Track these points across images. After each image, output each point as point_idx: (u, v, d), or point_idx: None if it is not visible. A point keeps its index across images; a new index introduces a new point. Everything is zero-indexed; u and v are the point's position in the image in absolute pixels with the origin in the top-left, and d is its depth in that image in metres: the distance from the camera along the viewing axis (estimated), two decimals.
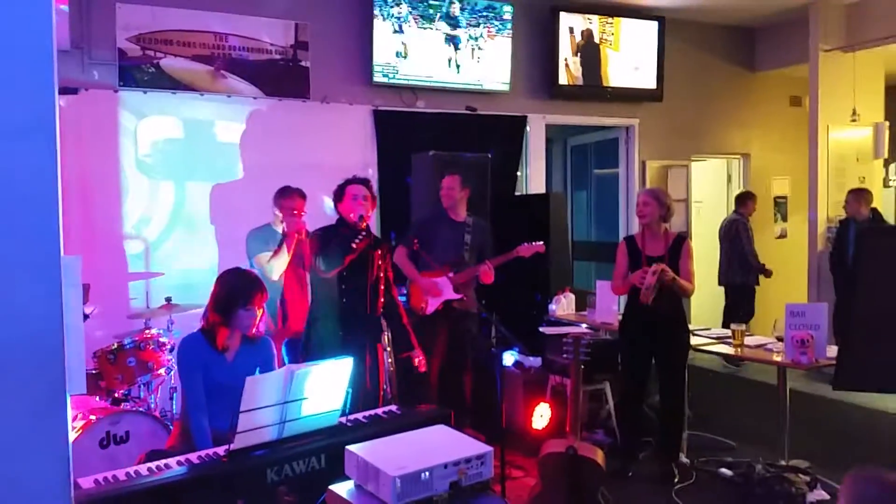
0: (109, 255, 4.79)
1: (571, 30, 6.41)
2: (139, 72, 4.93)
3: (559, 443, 3.33)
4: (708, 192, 7.98)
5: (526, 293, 5.67)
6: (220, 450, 2.53)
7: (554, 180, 7.83)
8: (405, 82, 5.75)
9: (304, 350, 3.71)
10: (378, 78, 5.63)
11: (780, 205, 7.94)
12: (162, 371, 3.91)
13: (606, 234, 7.53)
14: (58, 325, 1.32)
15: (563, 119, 6.73)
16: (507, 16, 6.05)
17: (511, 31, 6.07)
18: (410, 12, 5.65)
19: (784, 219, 7.97)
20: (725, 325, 5.77)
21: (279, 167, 5.09)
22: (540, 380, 4.85)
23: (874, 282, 3.37)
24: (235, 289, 2.97)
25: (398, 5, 5.59)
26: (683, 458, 4.30)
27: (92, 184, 4.75)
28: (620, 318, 4.49)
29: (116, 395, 3.67)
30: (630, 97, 6.84)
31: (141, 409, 3.63)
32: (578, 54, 6.48)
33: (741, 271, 6.54)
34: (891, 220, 7.19)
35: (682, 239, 4.21)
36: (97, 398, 3.65)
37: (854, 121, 6.73)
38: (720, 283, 6.77)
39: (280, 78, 5.39)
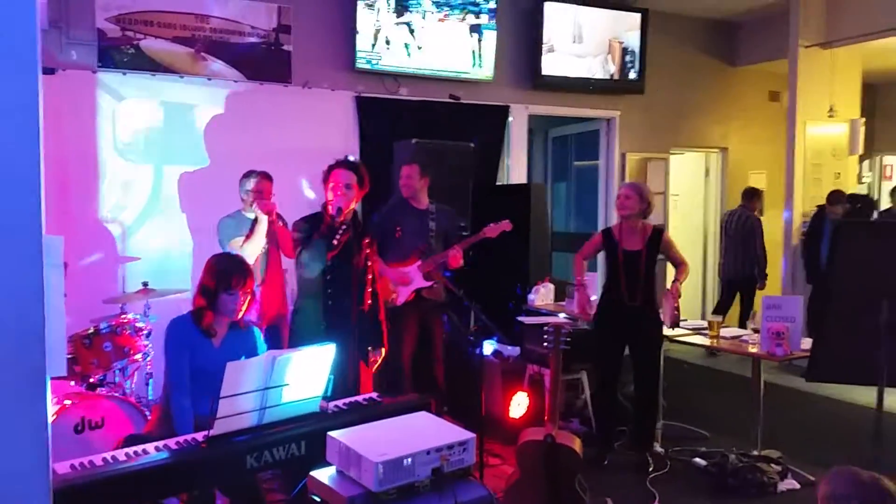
0: (85, 238, 4.72)
1: None
2: (118, 53, 4.85)
3: (537, 431, 3.35)
4: (685, 185, 8.05)
5: (505, 283, 5.69)
6: (199, 435, 2.52)
7: (535, 171, 7.85)
8: (388, 69, 5.72)
9: (292, 323, 3.72)
10: (361, 64, 5.59)
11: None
12: (138, 356, 3.87)
13: (585, 226, 7.57)
14: (39, 305, 1.30)
15: (546, 110, 6.74)
16: (492, 4, 6.03)
17: (495, 20, 6.06)
18: None
19: (760, 213, 8.05)
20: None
21: (260, 152, 5.02)
22: (518, 369, 4.87)
23: (849, 275, 3.43)
24: (218, 273, 2.96)
25: None
26: (658, 448, 4.35)
27: (68, 166, 4.67)
28: (596, 308, 4.52)
29: (92, 379, 3.62)
30: (611, 89, 6.86)
31: (116, 394, 3.59)
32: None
33: (751, 267, 6.74)
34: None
35: (660, 231, 4.24)
36: (72, 383, 3.60)
37: (831, 117, 6.83)
38: (724, 278, 6.97)
39: (262, 62, 5.33)
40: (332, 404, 2.85)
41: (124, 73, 4.87)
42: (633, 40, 6.80)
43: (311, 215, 3.70)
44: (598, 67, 6.73)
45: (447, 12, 5.87)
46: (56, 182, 4.56)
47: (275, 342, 4.22)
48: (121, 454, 2.34)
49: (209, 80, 5.15)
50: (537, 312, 5.29)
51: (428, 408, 2.80)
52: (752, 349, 4.11)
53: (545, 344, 3.51)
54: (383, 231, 4.45)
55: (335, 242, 3.46)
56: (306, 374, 2.64)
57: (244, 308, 3.01)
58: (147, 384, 4.19)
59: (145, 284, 4.12)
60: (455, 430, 2.41)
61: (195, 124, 5.12)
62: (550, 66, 6.47)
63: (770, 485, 3.80)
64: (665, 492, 3.82)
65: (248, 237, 3.96)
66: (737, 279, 6.84)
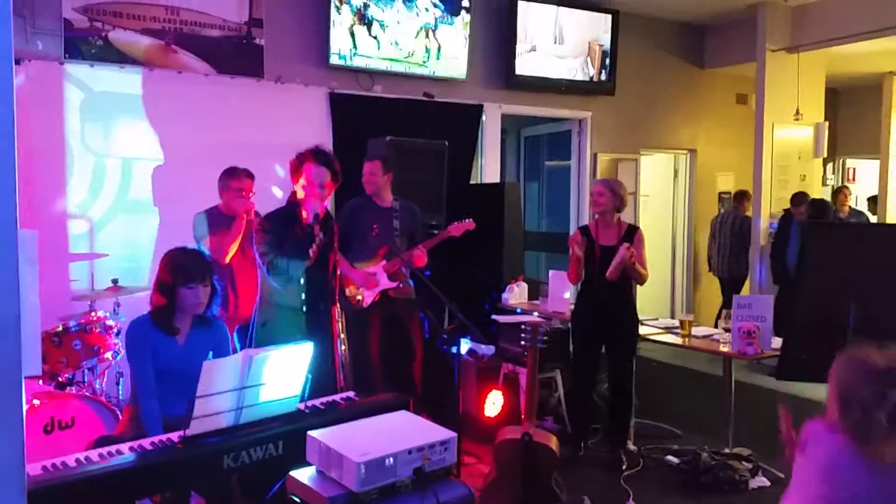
0: (52, 234, 4.60)
1: None
2: (86, 44, 4.73)
3: (514, 429, 3.36)
4: (655, 186, 8.14)
5: (480, 281, 5.69)
6: (175, 436, 2.47)
7: (508, 170, 7.87)
8: (362, 66, 5.68)
9: (258, 338, 3.51)
10: (335, 60, 5.54)
11: (725, 200, 8.16)
12: (108, 355, 3.78)
13: (557, 225, 7.61)
14: (14, 302, 1.25)
15: (519, 109, 6.75)
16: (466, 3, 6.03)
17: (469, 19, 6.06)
18: None
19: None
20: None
21: (230, 148, 4.95)
22: (493, 368, 4.88)
23: (817, 276, 3.49)
24: (176, 267, 2.88)
25: None
26: (631, 446, 4.40)
27: (35, 160, 4.54)
28: (572, 307, 4.55)
29: (61, 378, 3.54)
30: (583, 90, 6.90)
31: (86, 393, 3.51)
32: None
33: (746, 265, 7.15)
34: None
35: (635, 229, 4.30)
36: (40, 382, 3.51)
37: (797, 120, 6.96)
38: (720, 275, 7.29)
39: (233, 55, 5.25)
40: (309, 403, 2.82)
41: (92, 65, 4.75)
42: (605, 41, 6.85)
43: (277, 214, 3.50)
44: (579, 69, 6.79)
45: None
46: (22, 176, 4.42)
47: (246, 343, 4.16)
48: (94, 455, 2.29)
49: (179, 73, 5.05)
50: (511, 311, 5.30)
51: (407, 407, 2.78)
52: (724, 348, 4.16)
53: (523, 343, 3.51)
54: (346, 230, 4.29)
55: (312, 252, 3.30)
56: (284, 373, 2.60)
57: (206, 302, 2.93)
58: (117, 383, 4.10)
59: (115, 282, 4.03)
60: (436, 429, 2.39)
61: (165, 118, 5.02)
62: (531, 66, 6.50)
63: (741, 482, 3.86)
64: (638, 489, 3.85)
65: (224, 234, 3.89)
66: (733, 277, 7.20)
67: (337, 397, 2.98)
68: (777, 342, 4.00)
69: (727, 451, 4.11)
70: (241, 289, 4.07)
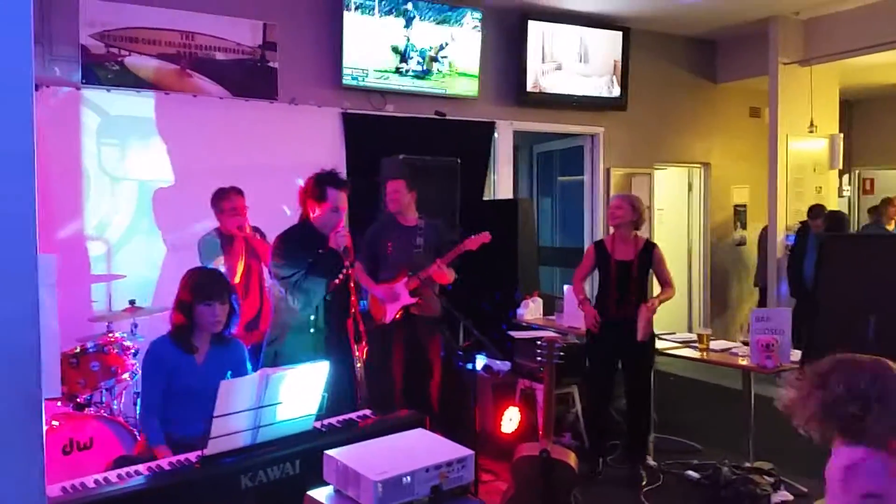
0: (70, 256, 4.65)
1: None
2: (103, 69, 4.81)
3: (532, 446, 3.33)
4: (670, 200, 8.11)
5: (494, 298, 5.68)
6: (193, 456, 2.47)
7: (520, 187, 7.87)
8: (374, 86, 5.72)
9: (274, 359, 3.51)
10: (347, 81, 5.59)
11: (740, 213, 8.12)
12: (126, 375, 3.81)
13: (571, 241, 7.60)
14: (35, 325, 1.27)
15: (531, 126, 6.77)
16: (476, 22, 6.08)
17: (480, 38, 6.10)
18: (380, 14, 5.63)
19: (743, 226, 8.15)
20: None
21: (246, 169, 5.00)
22: (509, 384, 4.85)
23: (835, 287, 3.47)
24: (194, 285, 2.93)
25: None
26: (651, 461, 4.35)
27: (52, 184, 4.60)
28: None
29: (79, 399, 3.56)
30: (595, 106, 6.91)
31: (105, 414, 3.52)
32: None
33: None
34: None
35: (653, 245, 4.28)
36: (59, 403, 3.53)
37: (811, 132, 6.93)
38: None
39: (247, 78, 5.31)
40: (326, 422, 2.82)
41: (109, 90, 4.83)
42: (616, 58, 6.88)
43: (292, 233, 3.48)
44: (604, 87, 6.84)
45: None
46: (40, 199, 4.47)
47: (258, 363, 4.17)
48: (113, 475, 2.30)
49: (194, 96, 5.12)
50: (527, 327, 5.29)
51: (423, 425, 2.77)
52: (743, 361, 4.13)
53: (538, 358, 3.50)
54: (373, 250, 4.41)
55: (337, 282, 3.42)
56: (300, 392, 2.61)
57: (225, 321, 2.96)
58: (135, 404, 4.10)
59: (132, 302, 4.06)
60: (453, 447, 2.38)
61: (181, 141, 5.08)
62: (557, 84, 6.58)
63: (763, 496, 3.80)
64: None
65: (228, 255, 3.96)
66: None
67: (353, 415, 2.98)
68: (796, 355, 3.96)
69: (748, 465, 4.06)
70: (247, 308, 4.10)
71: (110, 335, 3.85)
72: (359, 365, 4.50)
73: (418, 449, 2.34)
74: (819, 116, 6.97)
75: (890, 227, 6.99)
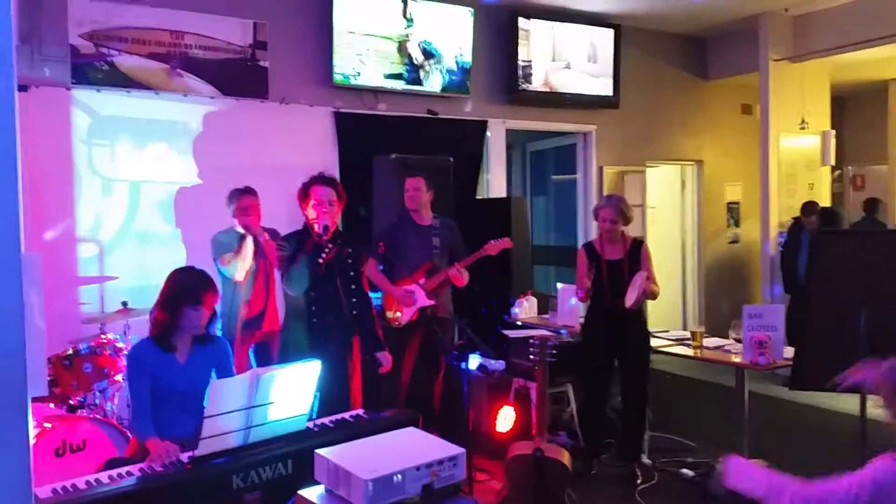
0: (61, 258, 4.62)
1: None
2: (92, 69, 4.78)
3: (526, 445, 3.33)
4: (663, 197, 8.12)
5: (488, 297, 5.67)
6: (184, 456, 2.46)
7: (514, 185, 7.87)
8: (366, 85, 5.71)
9: (279, 357, 3.75)
10: (338, 80, 5.57)
11: (733, 210, 8.14)
12: (119, 377, 3.78)
13: (565, 239, 7.60)
14: (19, 324, 1.26)
15: (523, 124, 6.77)
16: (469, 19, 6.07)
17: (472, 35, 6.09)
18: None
19: (737, 224, 8.17)
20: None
21: (237, 169, 4.99)
22: (503, 383, 4.84)
23: (828, 284, 3.46)
24: (185, 286, 2.89)
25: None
26: (645, 459, 4.35)
27: (43, 185, 4.57)
28: (582, 320, 4.53)
29: (72, 401, 3.54)
30: (587, 104, 6.92)
31: (97, 416, 3.50)
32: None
33: None
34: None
35: (640, 243, 4.29)
36: (51, 405, 3.52)
37: (803, 129, 6.94)
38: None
39: (238, 78, 5.29)
40: (318, 421, 2.81)
41: (98, 90, 4.80)
42: (608, 56, 6.88)
43: (294, 232, 3.72)
44: (596, 84, 6.87)
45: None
46: (30, 200, 4.46)
47: (265, 360, 4.17)
48: (104, 477, 2.28)
49: (185, 96, 5.10)
50: (521, 326, 5.28)
51: (415, 423, 2.76)
52: (736, 359, 4.12)
53: (531, 357, 3.49)
54: (392, 250, 4.27)
55: (321, 261, 3.50)
56: (291, 391, 2.59)
57: (204, 323, 2.94)
58: (128, 405, 4.09)
59: (125, 304, 4.04)
60: (445, 445, 2.37)
61: (171, 141, 5.06)
62: (568, 82, 6.64)
63: None
64: (654, 503, 3.80)
65: (237, 253, 3.99)
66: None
67: (346, 415, 2.97)
68: (789, 352, 3.96)
69: None
70: (255, 306, 4.12)
71: (103, 337, 3.83)
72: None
73: (409, 448, 2.33)
74: (810, 113, 6.99)
75: None
